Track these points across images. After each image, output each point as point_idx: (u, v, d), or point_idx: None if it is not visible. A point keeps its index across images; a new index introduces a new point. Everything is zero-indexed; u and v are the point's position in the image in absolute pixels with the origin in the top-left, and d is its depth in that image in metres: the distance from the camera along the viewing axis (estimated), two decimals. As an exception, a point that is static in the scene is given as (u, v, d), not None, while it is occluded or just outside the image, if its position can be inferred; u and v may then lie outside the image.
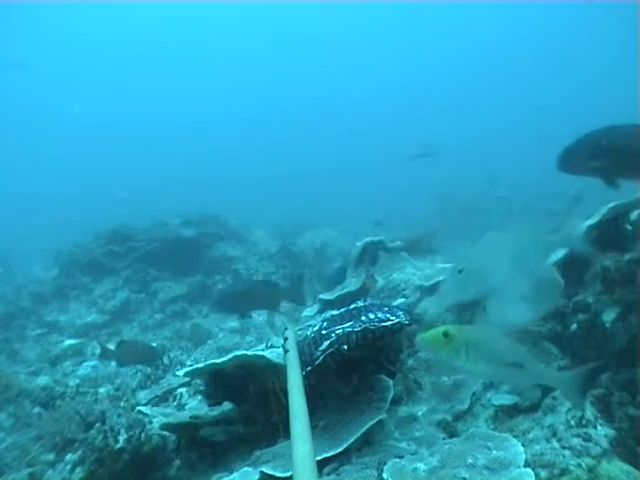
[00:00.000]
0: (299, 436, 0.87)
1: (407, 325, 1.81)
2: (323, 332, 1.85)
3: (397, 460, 1.60)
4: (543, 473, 1.52)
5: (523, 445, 1.59)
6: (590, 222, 2.25)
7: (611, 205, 2.20)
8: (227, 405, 2.06)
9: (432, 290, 2.68)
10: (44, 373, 3.92)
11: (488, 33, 27.31)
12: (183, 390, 3.02)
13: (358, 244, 3.23)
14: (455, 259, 3.67)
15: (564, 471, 1.51)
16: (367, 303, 2.17)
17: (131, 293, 5.70)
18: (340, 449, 1.68)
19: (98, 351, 4.15)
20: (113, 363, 3.61)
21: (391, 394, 1.89)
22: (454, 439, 1.75)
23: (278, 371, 1.83)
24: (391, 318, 1.82)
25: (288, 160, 24.27)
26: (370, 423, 1.75)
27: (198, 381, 2.80)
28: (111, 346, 3.52)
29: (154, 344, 4.30)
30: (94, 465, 2.02)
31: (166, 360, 3.76)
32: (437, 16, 27.81)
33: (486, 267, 1.55)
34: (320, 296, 3.04)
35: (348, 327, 1.80)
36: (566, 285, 2.12)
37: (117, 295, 5.66)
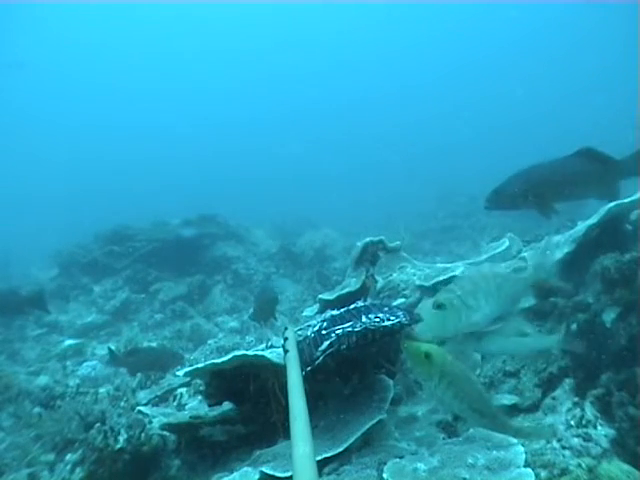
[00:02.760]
0: (299, 436, 0.87)
1: (407, 325, 1.80)
2: (323, 332, 1.85)
3: (397, 460, 1.60)
4: (543, 473, 1.52)
5: (523, 445, 1.59)
6: (590, 222, 2.25)
7: (611, 205, 2.19)
8: (227, 405, 2.06)
9: (432, 290, 2.68)
10: (44, 373, 3.92)
11: (487, 33, 27.33)
12: (183, 390, 3.02)
13: (358, 244, 3.22)
14: (453, 259, 3.67)
15: (564, 471, 1.51)
16: (367, 303, 2.16)
17: (131, 293, 5.70)
18: (340, 449, 1.68)
19: (103, 352, 4.14)
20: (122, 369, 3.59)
21: (391, 394, 1.89)
22: (454, 439, 1.75)
23: (278, 371, 1.82)
24: (391, 318, 1.81)
25: (288, 161, 24.29)
26: (370, 423, 1.75)
27: (198, 381, 2.79)
28: (112, 347, 3.51)
29: (154, 344, 4.31)
30: (94, 465, 2.01)
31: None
32: (436, 16, 27.82)
33: (466, 303, 1.52)
34: (320, 296, 3.03)
35: (348, 327, 1.80)
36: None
37: (117, 295, 5.66)
